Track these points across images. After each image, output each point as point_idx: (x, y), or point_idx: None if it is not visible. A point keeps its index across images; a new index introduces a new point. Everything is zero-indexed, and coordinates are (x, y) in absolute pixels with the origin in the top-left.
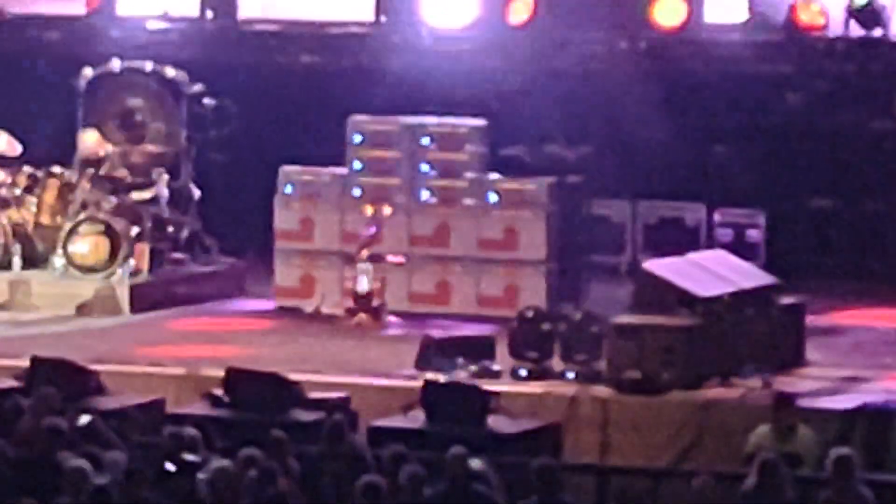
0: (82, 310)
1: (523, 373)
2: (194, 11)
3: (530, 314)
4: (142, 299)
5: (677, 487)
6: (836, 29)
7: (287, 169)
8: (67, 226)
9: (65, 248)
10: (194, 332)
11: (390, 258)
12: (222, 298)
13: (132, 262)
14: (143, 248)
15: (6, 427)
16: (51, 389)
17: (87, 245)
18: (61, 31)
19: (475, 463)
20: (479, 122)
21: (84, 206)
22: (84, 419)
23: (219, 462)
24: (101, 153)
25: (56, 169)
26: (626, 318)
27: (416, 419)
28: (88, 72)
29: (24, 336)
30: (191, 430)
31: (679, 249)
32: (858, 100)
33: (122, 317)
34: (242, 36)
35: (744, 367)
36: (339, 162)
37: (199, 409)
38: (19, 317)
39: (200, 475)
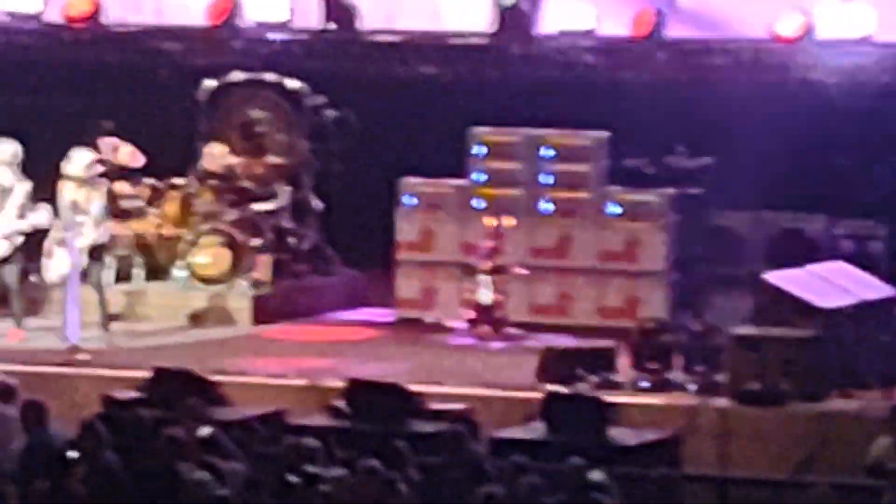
0: (201, 319)
1: (644, 384)
2: (316, 23)
3: (651, 325)
4: (263, 311)
5: (797, 498)
6: None
7: (408, 180)
8: (189, 237)
9: (187, 259)
10: (315, 343)
11: (514, 270)
12: (343, 310)
13: (254, 273)
14: (265, 260)
15: (128, 438)
16: (174, 400)
17: (209, 256)
18: (183, 43)
19: (595, 474)
20: (601, 133)
21: (206, 217)
22: (205, 430)
23: (339, 473)
24: (223, 165)
25: (178, 180)
26: (746, 330)
27: (536, 430)
28: (210, 83)
29: (147, 347)
30: (312, 441)
31: (800, 261)
32: None
33: (243, 327)
34: (363, 47)
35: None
36: (460, 173)
37: (320, 420)
38: (136, 327)
39: (321, 486)
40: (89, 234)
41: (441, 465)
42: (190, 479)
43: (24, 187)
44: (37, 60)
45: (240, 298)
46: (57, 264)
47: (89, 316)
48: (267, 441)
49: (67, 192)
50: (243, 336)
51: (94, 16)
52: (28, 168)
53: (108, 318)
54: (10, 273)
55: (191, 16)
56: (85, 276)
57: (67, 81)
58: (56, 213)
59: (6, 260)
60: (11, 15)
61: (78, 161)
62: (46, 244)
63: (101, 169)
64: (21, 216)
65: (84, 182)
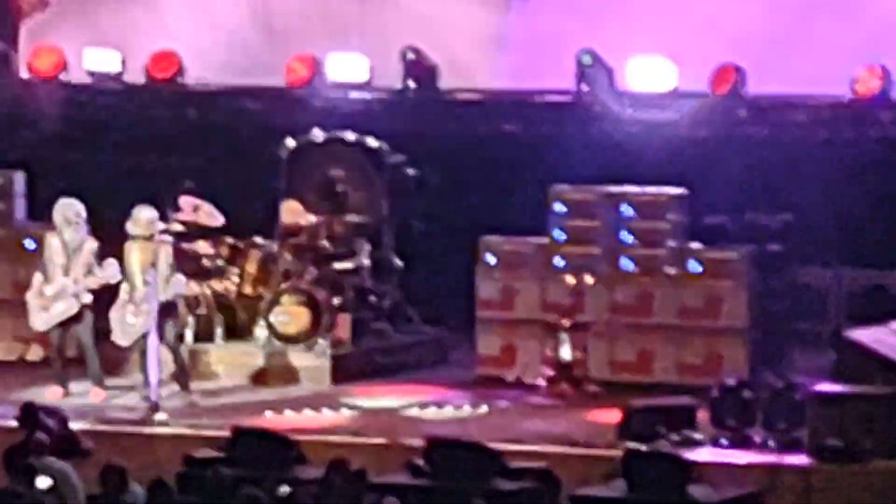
0: (282, 377)
1: (725, 441)
2: (397, 82)
3: (732, 382)
4: (343, 369)
5: None
6: None
7: (489, 239)
8: (269, 296)
9: (267, 318)
10: (396, 403)
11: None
12: (424, 368)
13: (334, 332)
14: (345, 319)
15: (208, 496)
16: (253, 459)
17: (289, 315)
18: (264, 102)
19: None
20: (680, 190)
21: (286, 276)
22: (284, 489)
23: None
24: (303, 223)
25: (258, 239)
26: (828, 387)
27: (617, 488)
28: (290, 142)
29: (224, 405)
30: (392, 500)
31: (882, 317)
32: None
33: (322, 386)
34: (444, 106)
35: None
36: (539, 231)
37: (400, 478)
38: (215, 386)
39: None
40: (159, 293)
41: None
42: None
43: (90, 246)
44: (118, 119)
45: (320, 357)
46: (128, 326)
47: (166, 375)
48: (347, 499)
49: (134, 251)
50: (323, 395)
51: (175, 75)
52: (109, 227)
53: (187, 377)
54: (84, 332)
55: (272, 75)
56: (161, 335)
57: (148, 140)
58: (125, 274)
59: (77, 319)
60: (93, 74)
61: (142, 219)
62: (116, 305)
63: (164, 226)
64: (88, 274)
65: (150, 240)
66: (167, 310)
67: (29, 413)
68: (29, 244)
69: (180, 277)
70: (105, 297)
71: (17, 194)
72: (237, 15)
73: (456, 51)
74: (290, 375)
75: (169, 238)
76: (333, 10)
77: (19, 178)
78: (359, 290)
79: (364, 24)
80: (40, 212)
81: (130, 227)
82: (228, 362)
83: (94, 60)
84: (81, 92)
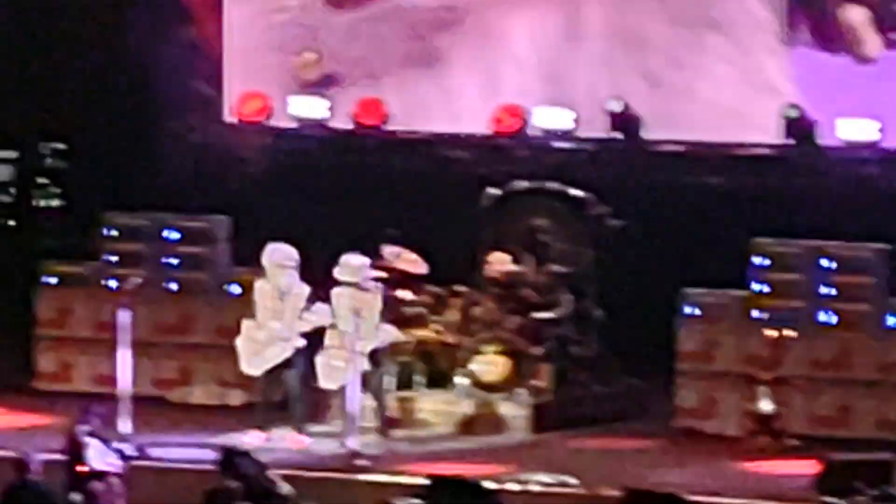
0: (475, 427)
1: None
2: (602, 132)
3: None
4: (543, 418)
5: None
6: None
7: (689, 290)
8: (470, 345)
9: (468, 366)
10: (594, 451)
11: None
12: (623, 419)
13: (534, 381)
14: (546, 368)
15: None
16: None
17: (490, 364)
18: (469, 151)
19: None
20: (882, 245)
21: (487, 325)
22: None
23: None
24: (506, 273)
25: (460, 288)
26: None
27: None
28: (494, 191)
29: (424, 453)
30: None
31: None
32: None
33: (522, 434)
34: (648, 157)
35: None
36: (739, 283)
37: None
38: (415, 433)
39: None
40: (367, 340)
41: None
42: None
43: (302, 291)
44: (323, 165)
45: (520, 406)
46: (333, 371)
47: (369, 421)
48: None
49: (342, 298)
50: (523, 444)
51: (381, 123)
52: (311, 272)
53: (388, 424)
54: (293, 378)
55: (477, 124)
56: (364, 381)
57: (352, 187)
58: (333, 319)
59: (288, 364)
60: (299, 120)
61: (351, 265)
62: (322, 350)
63: (372, 273)
64: (298, 319)
65: (359, 287)
66: (372, 357)
67: (228, 458)
68: (234, 289)
69: (388, 326)
70: (310, 342)
71: (221, 239)
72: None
73: (656, 102)
74: (496, 425)
75: (379, 286)
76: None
77: (224, 224)
78: (560, 340)
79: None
80: (244, 257)
81: (339, 272)
82: (429, 410)
83: (300, 106)
84: (287, 138)
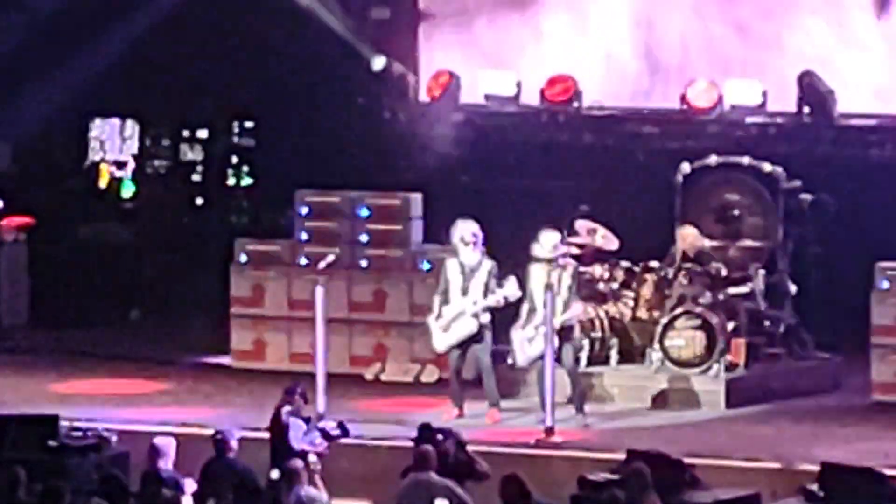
0: (675, 402)
1: None
2: (791, 107)
3: None
4: (737, 394)
5: None
6: None
7: (883, 264)
8: (664, 320)
9: (661, 342)
10: (790, 428)
11: None
12: (817, 394)
13: (728, 356)
14: (739, 343)
15: None
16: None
17: (684, 339)
18: (660, 126)
19: None
20: None
21: (680, 300)
22: None
23: None
24: (698, 248)
25: (653, 263)
26: None
27: None
28: (686, 166)
29: (620, 428)
30: None
31: None
32: None
33: (717, 410)
34: (839, 131)
35: None
36: None
37: (794, 503)
38: (609, 409)
39: None
40: (559, 315)
41: None
42: None
43: (487, 266)
44: (514, 142)
45: (713, 381)
46: (527, 347)
47: (563, 397)
48: None
49: (536, 273)
50: (716, 419)
51: (571, 99)
52: (502, 249)
53: (583, 400)
54: (483, 353)
55: (667, 100)
56: (558, 357)
57: (545, 163)
58: (525, 294)
59: (476, 339)
60: (489, 97)
61: (546, 242)
62: (515, 325)
63: (567, 250)
64: (487, 294)
65: (553, 263)
66: (565, 332)
67: (426, 434)
68: (424, 265)
69: (579, 302)
70: (502, 318)
71: (414, 217)
72: (619, 42)
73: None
74: (690, 400)
75: (573, 262)
76: (715, 42)
77: (417, 201)
78: (753, 315)
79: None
80: (436, 234)
81: (536, 249)
82: (622, 385)
83: (490, 83)
84: (478, 115)
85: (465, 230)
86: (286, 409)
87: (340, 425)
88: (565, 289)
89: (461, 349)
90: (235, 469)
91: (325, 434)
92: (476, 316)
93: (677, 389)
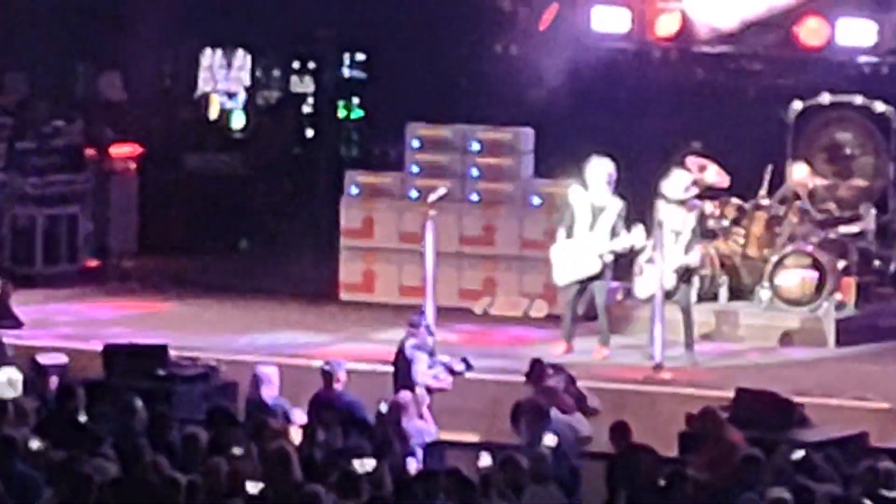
0: (784, 340)
1: None
2: None
3: None
4: (847, 333)
5: None
6: None
7: None
8: (774, 258)
9: (771, 280)
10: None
11: None
12: None
13: (838, 295)
14: (850, 282)
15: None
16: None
17: (794, 278)
18: (772, 64)
19: None
20: None
21: (791, 239)
22: (798, 453)
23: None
24: (810, 186)
25: (764, 201)
26: None
27: None
28: (798, 104)
29: (729, 367)
30: (887, 465)
31: None
32: None
33: (826, 349)
34: None
35: None
36: None
37: None
38: (720, 347)
39: None
40: (680, 256)
41: None
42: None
43: (617, 206)
44: (625, 78)
45: (824, 321)
46: (646, 282)
47: (674, 335)
48: (847, 463)
49: (663, 211)
50: (826, 358)
51: (681, 35)
52: (619, 187)
53: (693, 337)
54: (600, 291)
55: (778, 39)
56: (670, 295)
57: (656, 100)
58: (649, 231)
59: (597, 277)
60: (601, 34)
61: (677, 182)
62: (638, 262)
63: (696, 191)
64: (613, 235)
65: (680, 203)
66: (686, 273)
67: (537, 369)
68: (535, 200)
69: (700, 248)
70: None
71: (524, 151)
72: None
73: None
74: (808, 339)
75: (700, 204)
76: None
77: (528, 135)
78: (864, 254)
79: None
80: (547, 169)
81: (666, 188)
82: (733, 323)
83: (603, 20)
84: (589, 50)
85: (602, 168)
86: (410, 342)
87: (464, 360)
88: (689, 230)
89: (581, 285)
90: (344, 401)
91: (449, 369)
92: (601, 256)
93: (788, 328)
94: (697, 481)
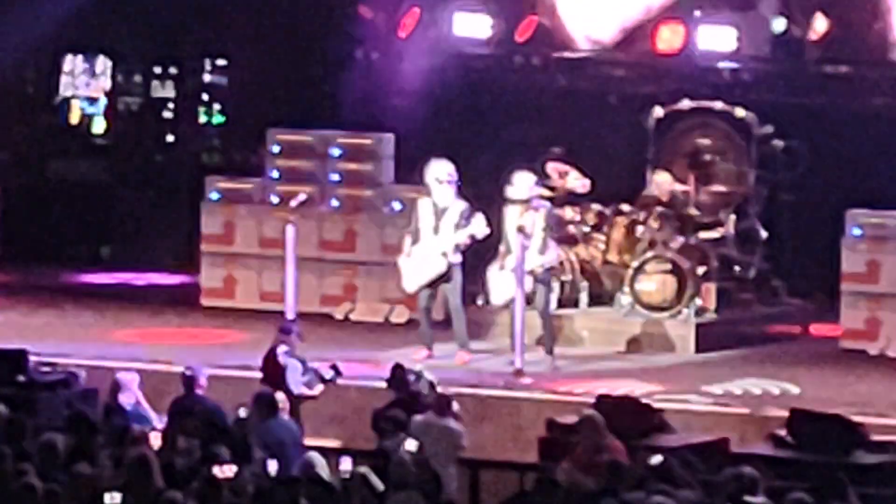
0: (637, 346)
1: None
2: (764, 52)
3: None
4: (707, 339)
5: None
6: None
7: (854, 212)
8: (635, 264)
9: (632, 286)
10: (756, 371)
11: None
12: (787, 340)
13: (698, 301)
14: (710, 288)
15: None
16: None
17: (654, 283)
18: (632, 70)
19: None
20: None
21: (651, 244)
22: (656, 458)
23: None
24: (670, 192)
25: (624, 207)
26: None
27: None
28: (658, 111)
29: (589, 372)
30: (750, 471)
31: None
32: None
33: (686, 354)
34: (812, 78)
35: None
36: None
37: (763, 449)
38: (579, 352)
39: None
40: (533, 258)
41: (883, 497)
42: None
43: (459, 207)
44: (486, 83)
45: (683, 326)
46: (500, 288)
47: (533, 340)
48: (708, 469)
49: (511, 215)
50: (685, 363)
51: (534, 38)
52: (475, 191)
53: (553, 342)
54: (452, 293)
55: (639, 45)
56: (529, 300)
57: (518, 106)
58: (501, 236)
59: (446, 279)
60: (462, 39)
61: (520, 183)
62: (490, 267)
63: (542, 192)
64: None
65: (527, 205)
66: (540, 275)
67: (398, 375)
68: (396, 206)
69: (552, 244)
70: (473, 260)
71: (385, 156)
72: None
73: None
74: (660, 344)
75: (547, 204)
76: None
77: (389, 141)
78: (724, 260)
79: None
80: (408, 175)
81: (510, 190)
82: (592, 328)
83: (465, 26)
84: (451, 56)
85: (440, 170)
86: (282, 348)
87: (334, 367)
88: (539, 231)
89: (431, 289)
90: (204, 406)
91: (320, 377)
92: (445, 255)
93: (647, 334)
94: (563, 487)
